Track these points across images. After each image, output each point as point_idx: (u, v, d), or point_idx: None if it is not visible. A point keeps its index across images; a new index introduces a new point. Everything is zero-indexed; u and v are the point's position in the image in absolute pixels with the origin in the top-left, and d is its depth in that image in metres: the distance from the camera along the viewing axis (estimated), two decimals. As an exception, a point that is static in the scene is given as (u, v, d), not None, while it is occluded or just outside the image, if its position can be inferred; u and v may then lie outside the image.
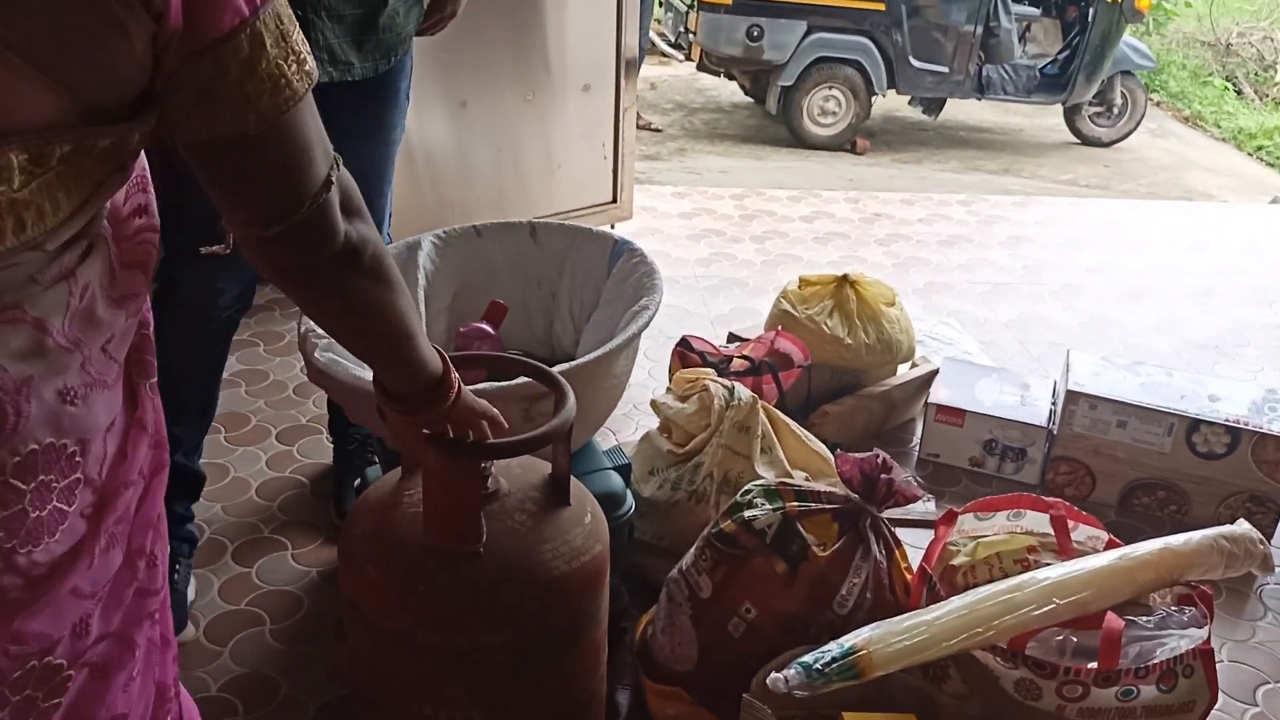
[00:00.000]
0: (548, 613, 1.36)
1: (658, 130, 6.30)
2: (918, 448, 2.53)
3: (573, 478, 1.45)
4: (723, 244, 3.77)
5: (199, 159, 0.77)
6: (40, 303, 0.72)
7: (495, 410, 1.24)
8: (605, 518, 1.45)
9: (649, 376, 2.79)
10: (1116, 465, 2.31)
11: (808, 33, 6.10)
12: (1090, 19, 6.32)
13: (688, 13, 6.43)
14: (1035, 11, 6.79)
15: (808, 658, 1.35)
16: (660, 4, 7.51)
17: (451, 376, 1.13)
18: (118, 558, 0.86)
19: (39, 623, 0.77)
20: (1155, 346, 3.12)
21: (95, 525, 0.82)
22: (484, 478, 1.33)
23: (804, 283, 2.53)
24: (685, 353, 2.27)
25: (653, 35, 7.88)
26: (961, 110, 7.12)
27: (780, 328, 2.41)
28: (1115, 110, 6.68)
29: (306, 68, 0.77)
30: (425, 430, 1.17)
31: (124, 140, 0.71)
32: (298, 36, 0.76)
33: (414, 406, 1.11)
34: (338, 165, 0.84)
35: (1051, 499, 1.68)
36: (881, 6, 6.08)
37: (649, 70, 7.94)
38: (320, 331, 1.79)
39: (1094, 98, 6.61)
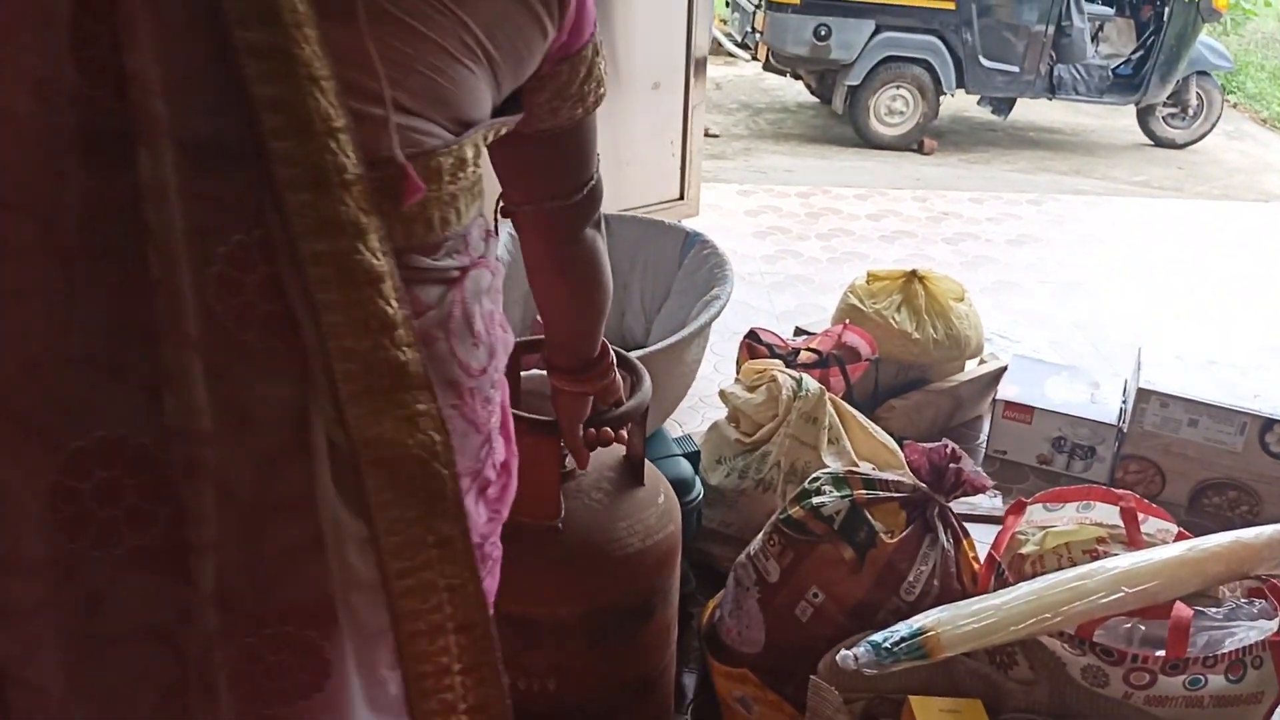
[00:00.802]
0: (621, 588, 1.41)
1: (715, 136, 6.31)
2: (985, 444, 2.54)
3: (646, 460, 1.49)
4: (788, 241, 3.79)
5: (532, 145, 0.92)
6: (489, 254, 0.89)
7: (625, 423, 1.32)
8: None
9: (715, 370, 2.83)
10: (1187, 464, 2.29)
11: (876, 32, 6.08)
12: (1166, 18, 6.21)
13: (755, 12, 6.45)
14: (1109, 11, 6.69)
15: (876, 637, 1.38)
16: (727, 4, 7.53)
17: (612, 357, 1.23)
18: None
19: (493, 523, 0.95)
20: (1228, 347, 3.08)
21: (501, 438, 0.96)
22: (563, 456, 1.37)
23: (872, 278, 2.55)
24: (753, 345, 2.31)
25: (719, 35, 7.90)
26: (1031, 110, 7.03)
27: (848, 321, 2.43)
28: (1190, 111, 6.55)
29: (605, 69, 0.94)
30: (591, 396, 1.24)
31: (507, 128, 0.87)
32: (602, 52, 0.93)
33: (589, 375, 1.20)
34: None
35: (1121, 491, 1.69)
36: (952, 5, 6.03)
37: (714, 70, 7.95)
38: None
39: (1168, 99, 6.49)
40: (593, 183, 0.99)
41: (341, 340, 0.68)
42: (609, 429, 1.27)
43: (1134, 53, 6.49)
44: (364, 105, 0.69)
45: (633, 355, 1.72)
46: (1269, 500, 2.25)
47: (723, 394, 2.16)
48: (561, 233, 1.01)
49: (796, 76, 6.80)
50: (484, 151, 0.84)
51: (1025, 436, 2.44)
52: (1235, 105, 7.87)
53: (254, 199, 0.66)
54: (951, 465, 1.67)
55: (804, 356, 2.29)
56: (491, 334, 0.88)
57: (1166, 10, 6.22)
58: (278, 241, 0.67)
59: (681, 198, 3.67)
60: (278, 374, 0.70)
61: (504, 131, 0.85)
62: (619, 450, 1.49)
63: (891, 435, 2.28)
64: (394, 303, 0.70)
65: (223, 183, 0.66)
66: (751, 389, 2.11)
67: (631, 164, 3.51)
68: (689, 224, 3.70)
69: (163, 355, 0.66)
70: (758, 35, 6.41)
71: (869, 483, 1.72)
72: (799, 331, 2.65)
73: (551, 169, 0.95)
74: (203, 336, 0.66)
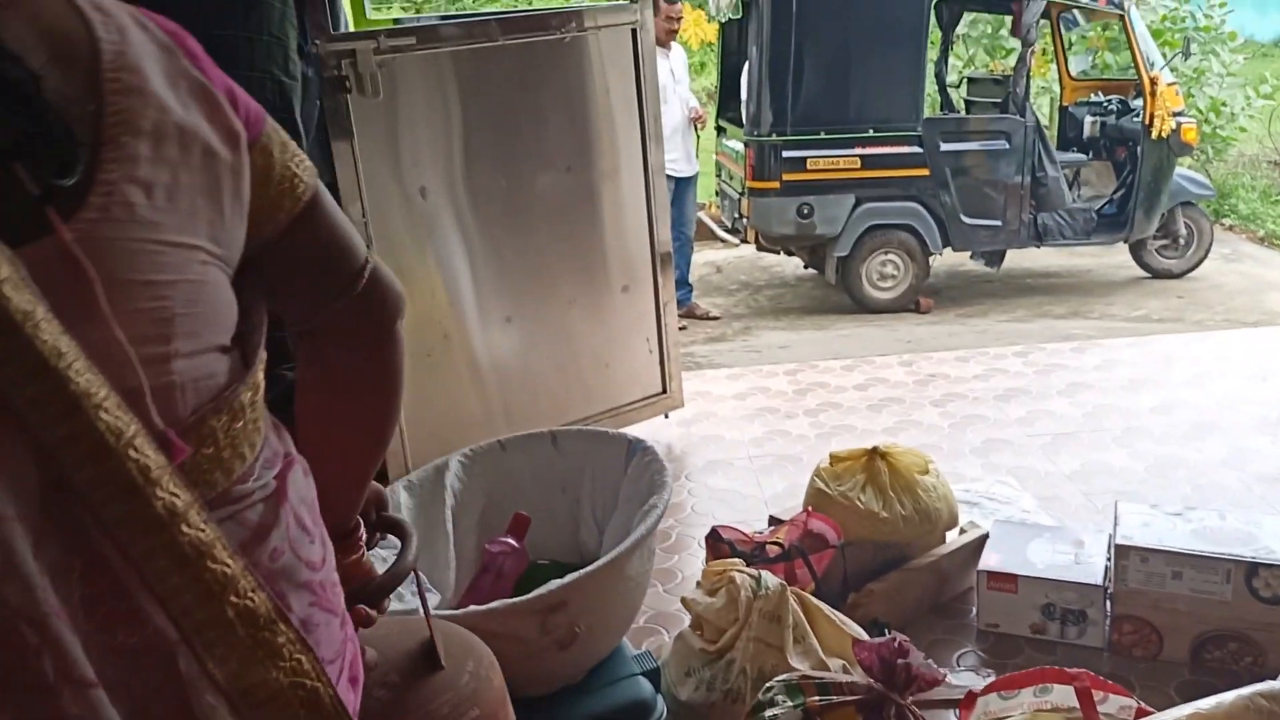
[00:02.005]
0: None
1: (715, 318, 6.44)
2: (976, 619, 2.45)
3: (460, 631, 1.36)
4: (776, 421, 3.80)
5: (258, 271, 0.88)
6: (290, 447, 0.92)
7: (386, 594, 1.16)
8: (500, 673, 1.33)
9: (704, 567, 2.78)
10: (1180, 619, 2.20)
11: (856, 204, 6.26)
12: (1139, 157, 6.36)
13: (740, 199, 6.69)
14: (1083, 157, 6.87)
15: None
16: (717, 192, 7.82)
17: (362, 530, 1.14)
18: None
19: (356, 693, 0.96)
20: (1224, 483, 3.00)
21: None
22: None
23: (834, 459, 2.54)
24: (715, 544, 2.29)
25: (709, 222, 8.17)
26: (1026, 257, 7.12)
27: (811, 508, 2.41)
28: (1181, 241, 6.62)
29: (308, 166, 0.90)
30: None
31: None
32: (293, 146, 0.90)
33: (337, 549, 1.07)
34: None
35: (1075, 670, 1.62)
36: (925, 171, 6.22)
37: (712, 254, 8.21)
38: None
39: (1157, 231, 6.57)
40: (367, 271, 0.94)
41: (194, 615, 0.72)
42: (364, 608, 1.12)
43: (1115, 192, 6.62)
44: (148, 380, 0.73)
45: (569, 577, 1.71)
46: (1271, 648, 2.14)
47: (685, 601, 2.13)
48: (357, 335, 0.98)
49: (789, 253, 6.98)
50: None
51: (1014, 607, 2.36)
52: (1230, 228, 7.93)
53: (78, 525, 0.70)
54: (900, 661, 1.63)
55: (769, 550, 2.26)
56: (318, 524, 0.91)
57: (1139, 149, 6.37)
58: (111, 555, 0.70)
59: (664, 391, 3.72)
60: (149, 665, 0.74)
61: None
62: (421, 632, 1.33)
63: (875, 621, 2.23)
64: (229, 561, 0.73)
65: (51, 522, 0.69)
66: (711, 592, 2.08)
67: (611, 365, 3.58)
68: (675, 416, 3.75)
69: (65, 708, 0.67)
70: (745, 219, 6.63)
71: (823, 687, 1.68)
72: (772, 521, 2.63)
73: (298, 277, 0.93)
74: (94, 666, 0.69)
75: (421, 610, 1.28)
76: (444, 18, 3.73)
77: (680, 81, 5.93)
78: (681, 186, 5.98)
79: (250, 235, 0.84)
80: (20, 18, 0.71)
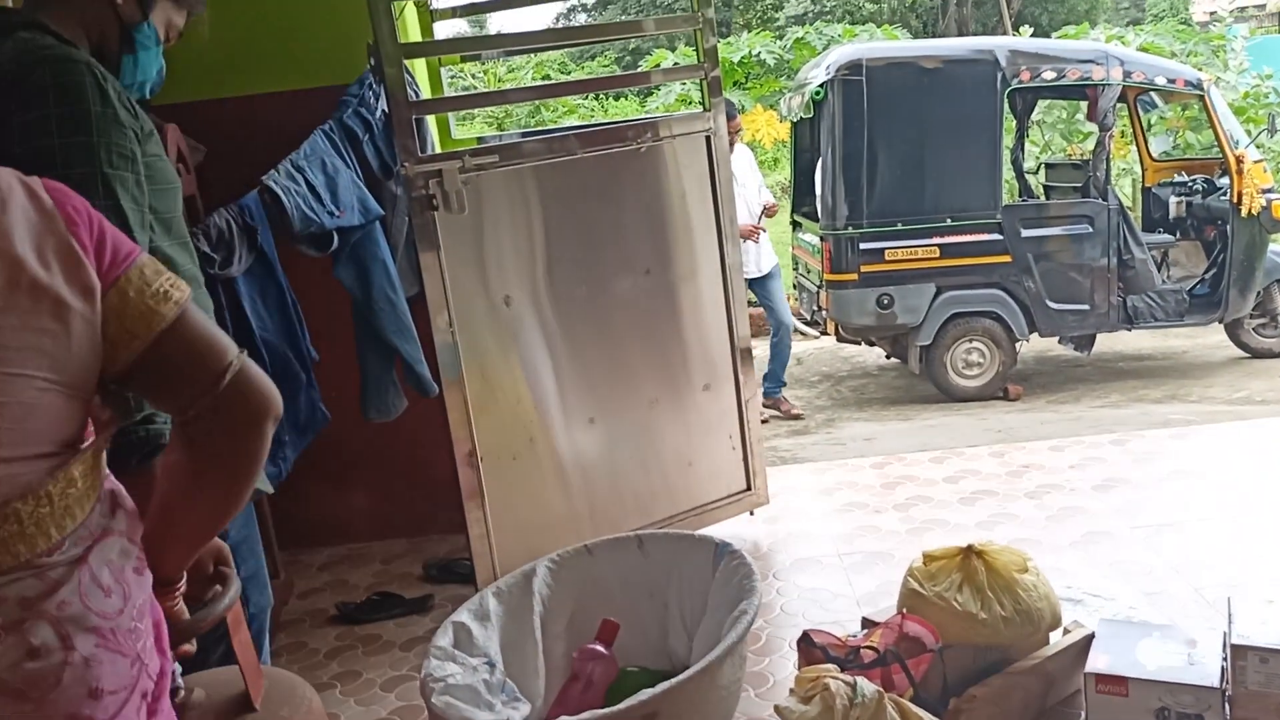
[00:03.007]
0: None
1: (798, 416, 6.36)
2: (1086, 724, 2.35)
3: (291, 678, 1.43)
4: (865, 516, 3.73)
5: (135, 378, 1.04)
6: (114, 524, 1.06)
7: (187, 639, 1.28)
8: (322, 715, 1.39)
9: (797, 673, 2.72)
10: (1309, 725, 2.08)
11: (938, 293, 6.22)
12: (1230, 235, 6.23)
13: (818, 291, 6.70)
14: (1170, 238, 6.74)
15: None
16: (794, 285, 7.83)
17: (183, 584, 1.25)
18: None
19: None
20: (1343, 578, 2.85)
21: (156, 651, 1.13)
22: (173, 688, 1.32)
23: (928, 558, 2.48)
24: (807, 649, 2.24)
25: (787, 315, 8.16)
26: (1118, 341, 6.97)
27: (905, 609, 2.35)
28: (1279, 319, 6.42)
29: (175, 298, 1.04)
30: None
31: None
32: (164, 280, 1.04)
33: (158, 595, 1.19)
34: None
35: (1196, 784, 1.53)
36: (1007, 258, 6.17)
37: (793, 347, 8.18)
38: (437, 674, 1.87)
39: (1254, 310, 6.39)
40: (229, 374, 1.05)
41: None
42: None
43: (1207, 272, 6.48)
44: None
45: (660, 687, 1.69)
46: None
47: (778, 709, 2.07)
48: (221, 428, 1.07)
49: (870, 343, 6.94)
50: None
51: (1126, 711, 2.25)
52: (1334, 303, 7.64)
53: None
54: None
55: (864, 654, 2.20)
56: (122, 582, 1.03)
57: (1229, 228, 6.24)
58: None
59: (749, 488, 3.68)
60: None
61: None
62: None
63: (977, 727, 2.15)
64: None
65: None
66: (806, 700, 2.03)
67: (695, 463, 3.57)
68: (760, 513, 3.71)
69: None
70: (824, 311, 6.62)
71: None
72: (866, 623, 2.56)
73: (163, 384, 1.06)
74: None
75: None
76: (525, 133, 3.86)
77: (744, 184, 5.98)
78: (762, 284, 6.02)
79: (112, 357, 1.01)
80: None
